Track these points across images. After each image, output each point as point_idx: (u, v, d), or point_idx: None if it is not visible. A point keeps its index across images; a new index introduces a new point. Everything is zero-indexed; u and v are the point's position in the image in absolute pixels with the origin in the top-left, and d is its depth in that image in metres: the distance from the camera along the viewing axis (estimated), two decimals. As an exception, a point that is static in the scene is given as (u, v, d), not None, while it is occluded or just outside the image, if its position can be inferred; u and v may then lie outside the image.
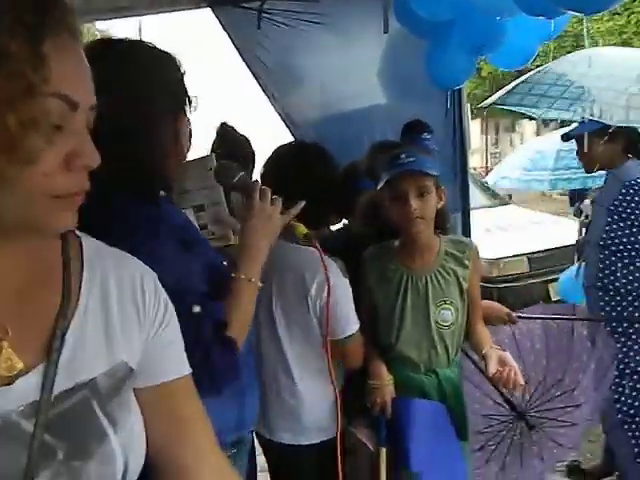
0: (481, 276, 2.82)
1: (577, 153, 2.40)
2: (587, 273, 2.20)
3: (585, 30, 4.97)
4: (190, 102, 0.92)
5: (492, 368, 1.40)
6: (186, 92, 0.92)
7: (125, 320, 0.58)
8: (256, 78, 2.49)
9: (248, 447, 1.21)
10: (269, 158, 1.51)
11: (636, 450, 1.87)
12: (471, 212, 2.67)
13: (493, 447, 1.86)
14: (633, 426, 1.89)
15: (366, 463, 1.47)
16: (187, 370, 0.65)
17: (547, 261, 3.78)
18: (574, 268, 3.17)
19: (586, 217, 3.43)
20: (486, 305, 1.73)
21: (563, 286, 3.30)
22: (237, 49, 2.44)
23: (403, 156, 1.43)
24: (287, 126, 2.56)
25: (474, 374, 1.84)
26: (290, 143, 1.67)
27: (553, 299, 3.71)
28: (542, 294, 3.74)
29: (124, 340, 0.57)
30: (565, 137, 2.51)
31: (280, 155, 1.49)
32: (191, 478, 0.63)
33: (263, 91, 2.51)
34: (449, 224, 1.65)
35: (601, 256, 2.13)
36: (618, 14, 10.08)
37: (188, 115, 0.94)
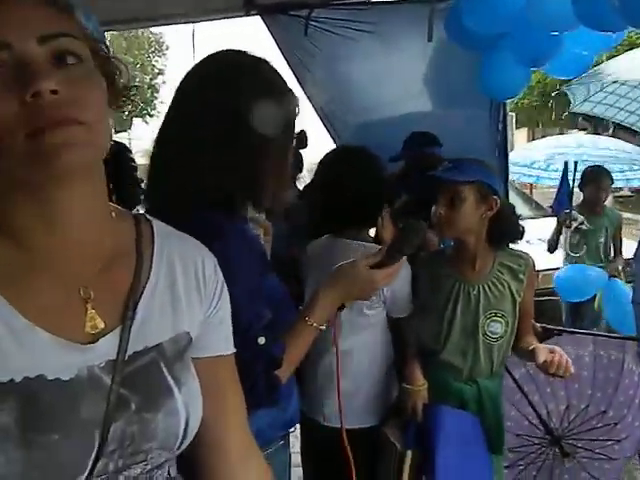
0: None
1: None
2: (636, 289, 2.14)
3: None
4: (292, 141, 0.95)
5: (542, 357, 1.36)
6: (293, 130, 0.95)
7: (189, 294, 0.64)
8: (300, 83, 2.56)
9: (289, 442, 1.26)
10: (320, 164, 1.58)
11: None
12: None
13: (522, 467, 1.85)
14: None
15: (393, 463, 1.50)
16: (232, 350, 0.71)
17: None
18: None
19: (581, 223, 3.39)
20: None
21: (561, 282, 3.30)
22: (283, 55, 2.51)
23: (445, 163, 1.47)
24: (328, 131, 2.62)
25: (513, 392, 1.83)
26: (338, 148, 1.73)
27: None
28: (574, 310, 3.64)
29: (188, 312, 0.64)
30: None
31: (331, 161, 1.56)
32: (221, 448, 0.70)
33: (306, 96, 2.57)
34: (510, 239, 1.55)
35: None
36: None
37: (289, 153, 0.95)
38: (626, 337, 1.98)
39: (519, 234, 1.51)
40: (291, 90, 0.94)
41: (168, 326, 0.62)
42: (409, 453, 1.47)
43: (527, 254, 1.56)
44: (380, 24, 2.40)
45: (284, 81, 0.94)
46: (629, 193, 13.32)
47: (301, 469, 1.95)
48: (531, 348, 1.44)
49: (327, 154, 1.60)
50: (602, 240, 3.47)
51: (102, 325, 0.57)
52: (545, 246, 3.79)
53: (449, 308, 1.49)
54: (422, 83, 2.62)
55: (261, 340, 0.85)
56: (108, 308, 0.58)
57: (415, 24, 2.38)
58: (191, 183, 0.87)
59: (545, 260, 3.87)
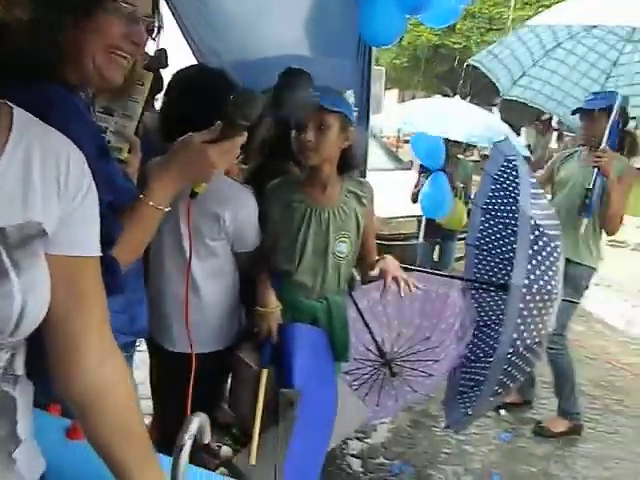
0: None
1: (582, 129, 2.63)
2: (469, 233, 2.46)
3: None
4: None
5: (381, 264, 1.63)
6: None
7: (46, 187, 0.63)
8: (169, 5, 2.41)
9: (132, 358, 1.26)
10: (172, 82, 1.51)
11: (462, 382, 2.18)
12: (372, 173, 2.75)
13: (356, 387, 2.07)
14: (463, 368, 2.19)
15: (249, 384, 1.57)
16: (97, 252, 0.71)
17: (435, 225, 4.07)
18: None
19: None
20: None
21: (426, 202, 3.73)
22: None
23: (310, 90, 1.52)
24: (196, 58, 2.52)
25: (354, 322, 2.01)
26: (192, 66, 1.65)
27: (435, 260, 4.07)
28: (428, 254, 4.08)
29: (43, 204, 0.63)
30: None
31: (181, 78, 1.49)
32: (77, 347, 0.69)
33: (173, 16, 2.43)
34: (356, 168, 1.70)
35: (482, 219, 2.38)
36: (528, 5, 10.77)
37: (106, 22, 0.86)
38: (453, 276, 2.27)
39: (362, 164, 1.66)
40: None
41: (16, 213, 0.61)
42: (265, 372, 1.55)
43: (368, 181, 1.71)
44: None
45: None
46: (478, 158, 14.75)
47: (150, 401, 1.97)
48: (375, 259, 1.65)
49: (179, 71, 1.52)
50: (461, 185, 3.91)
51: None
52: (399, 196, 4.11)
53: (302, 231, 1.57)
54: (296, 26, 2.59)
55: None
56: None
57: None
58: (17, 58, 0.81)
59: (398, 208, 4.23)
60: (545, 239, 1.85)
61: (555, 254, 1.87)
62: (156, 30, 0.96)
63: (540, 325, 1.87)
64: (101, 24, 0.87)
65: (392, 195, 4.01)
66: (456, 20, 2.47)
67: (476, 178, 4.34)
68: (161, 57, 2.09)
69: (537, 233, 1.83)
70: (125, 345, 1.08)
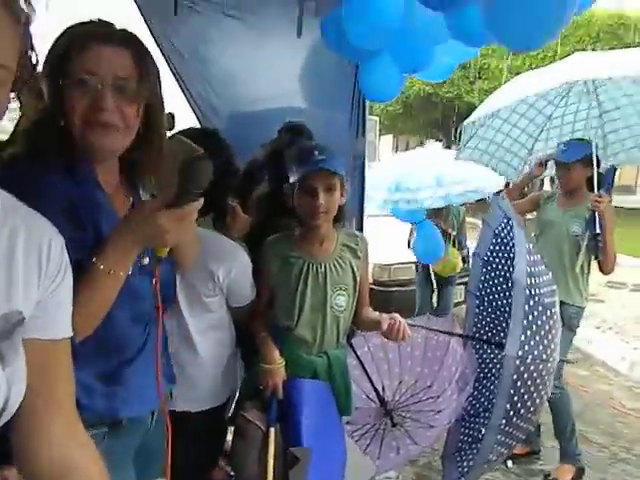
0: (373, 279, 2.75)
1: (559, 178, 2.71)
2: (470, 281, 2.47)
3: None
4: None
5: (385, 324, 1.53)
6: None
7: (28, 274, 0.63)
8: (169, 66, 2.49)
9: (137, 428, 1.11)
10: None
11: (462, 437, 2.12)
12: (370, 219, 2.78)
13: (357, 439, 2.03)
14: (463, 422, 2.15)
15: (256, 444, 1.54)
16: (70, 334, 0.70)
17: (432, 271, 4.06)
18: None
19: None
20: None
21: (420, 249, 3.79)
22: (152, 34, 2.42)
23: (316, 153, 1.53)
24: (197, 117, 2.59)
25: (353, 369, 1.99)
26: (187, 130, 1.69)
27: (434, 306, 4.04)
28: (427, 300, 4.06)
29: (24, 291, 0.62)
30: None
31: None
32: (40, 427, 0.68)
33: (176, 80, 2.52)
34: (346, 220, 1.75)
35: (484, 270, 2.39)
36: (515, 55, 11.21)
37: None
38: (452, 333, 2.24)
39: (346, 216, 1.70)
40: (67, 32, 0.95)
41: (1, 302, 0.60)
42: (272, 430, 1.52)
43: (362, 233, 1.76)
44: (251, 11, 2.40)
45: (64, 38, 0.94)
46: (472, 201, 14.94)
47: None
48: (377, 319, 1.60)
49: (177, 133, 1.54)
50: (454, 233, 3.96)
51: None
52: (396, 241, 4.13)
53: (300, 287, 1.58)
54: (290, 78, 2.66)
55: None
56: None
57: (286, 17, 2.42)
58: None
59: (396, 255, 4.25)
60: (540, 308, 1.83)
61: (551, 322, 1.86)
62: (139, 85, 0.95)
63: (535, 394, 1.84)
64: (68, 101, 0.91)
65: (389, 241, 4.04)
66: (448, 73, 2.57)
67: (470, 220, 4.40)
68: (168, 121, 2.15)
69: (532, 303, 1.81)
70: (95, 424, 0.95)
